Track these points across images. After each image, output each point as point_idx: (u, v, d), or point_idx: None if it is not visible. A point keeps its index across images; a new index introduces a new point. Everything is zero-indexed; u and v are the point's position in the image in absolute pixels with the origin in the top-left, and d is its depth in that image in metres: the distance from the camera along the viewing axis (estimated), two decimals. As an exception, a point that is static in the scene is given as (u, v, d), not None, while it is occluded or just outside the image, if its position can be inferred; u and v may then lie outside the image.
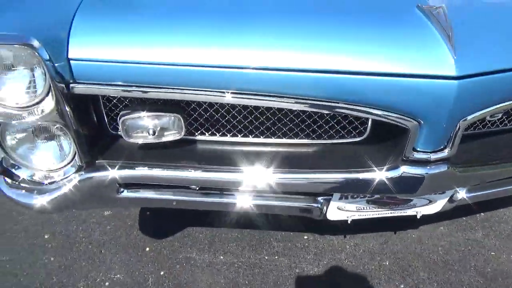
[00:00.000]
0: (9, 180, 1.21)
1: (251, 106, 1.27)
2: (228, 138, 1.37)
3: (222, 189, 1.38)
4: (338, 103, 1.03)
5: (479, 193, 1.48)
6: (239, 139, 1.37)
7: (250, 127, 1.33)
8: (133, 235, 2.11)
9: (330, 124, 1.30)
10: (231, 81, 1.09)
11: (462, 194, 1.47)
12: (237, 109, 1.29)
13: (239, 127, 1.33)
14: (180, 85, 1.14)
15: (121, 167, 1.29)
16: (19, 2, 1.11)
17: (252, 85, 1.09)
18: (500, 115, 1.35)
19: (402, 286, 1.81)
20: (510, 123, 1.42)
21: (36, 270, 1.92)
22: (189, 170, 1.28)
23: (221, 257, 1.97)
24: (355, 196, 1.41)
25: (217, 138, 1.37)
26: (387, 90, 1.02)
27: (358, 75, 0.99)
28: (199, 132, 1.37)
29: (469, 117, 1.09)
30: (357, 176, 1.21)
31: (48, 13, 1.10)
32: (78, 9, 1.12)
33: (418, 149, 1.16)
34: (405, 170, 1.18)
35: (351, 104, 1.04)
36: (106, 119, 1.35)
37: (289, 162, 1.30)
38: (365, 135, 1.31)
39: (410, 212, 1.52)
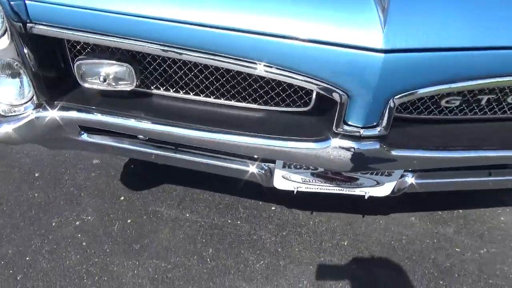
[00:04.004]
0: (-24, 109, 1.33)
1: (200, 64, 1.30)
2: (180, 95, 1.41)
3: (169, 143, 1.44)
4: (256, 63, 1.05)
5: (428, 181, 1.45)
6: (191, 97, 1.41)
7: (201, 86, 1.37)
8: (113, 184, 2.24)
9: (276, 91, 1.30)
10: (174, 35, 1.13)
11: (411, 179, 1.44)
12: (188, 66, 1.32)
13: (191, 85, 1.37)
14: (127, 35, 1.19)
15: (76, 110, 1.37)
16: None
17: (190, 41, 1.12)
18: (458, 102, 1.30)
19: (353, 266, 1.82)
20: (472, 113, 1.36)
21: (19, 203, 2.09)
22: (137, 119, 1.34)
23: (187, 215, 2.05)
24: (298, 166, 1.42)
25: (170, 93, 1.41)
26: (311, 56, 1.02)
27: (275, 38, 1.00)
28: (154, 86, 1.42)
29: (399, 96, 1.07)
30: (287, 144, 1.22)
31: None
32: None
33: (350, 123, 1.15)
34: (336, 143, 1.18)
35: (271, 67, 1.05)
36: (71, 64, 1.43)
37: (232, 123, 1.32)
38: (310, 106, 1.31)
39: (358, 191, 1.51)
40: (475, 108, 1.34)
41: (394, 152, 1.20)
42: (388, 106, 1.10)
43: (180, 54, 1.15)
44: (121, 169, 2.35)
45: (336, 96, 1.09)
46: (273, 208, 2.12)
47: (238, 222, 2.02)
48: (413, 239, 1.96)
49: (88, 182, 2.25)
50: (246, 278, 1.75)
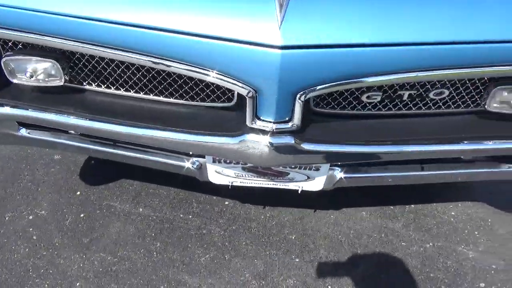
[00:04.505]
0: None
1: (127, 61, 1.32)
2: (111, 91, 1.43)
3: (103, 138, 1.47)
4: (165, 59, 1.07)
5: (357, 175, 1.47)
6: (122, 93, 1.43)
7: (130, 82, 1.39)
8: (71, 179, 2.26)
9: (200, 87, 1.32)
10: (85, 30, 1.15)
11: (339, 174, 1.46)
12: (115, 62, 1.34)
13: (120, 80, 1.39)
14: (52, 34, 1.21)
15: (7, 106, 1.39)
16: None
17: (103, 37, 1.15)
18: (379, 98, 1.32)
19: (297, 260, 1.85)
20: (396, 108, 1.38)
21: (-24, 198, 2.12)
22: (66, 115, 1.36)
23: (140, 209, 2.08)
24: (228, 161, 1.44)
25: (101, 89, 1.43)
26: (213, 52, 1.04)
27: (176, 34, 1.02)
28: (86, 82, 1.44)
29: (306, 91, 1.09)
30: (207, 139, 1.24)
31: None
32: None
33: (262, 118, 1.17)
34: (250, 138, 1.20)
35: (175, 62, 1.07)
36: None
37: (159, 118, 1.35)
38: (234, 101, 1.33)
39: (292, 186, 1.54)
40: (399, 103, 1.36)
41: (308, 147, 1.22)
42: (297, 102, 1.12)
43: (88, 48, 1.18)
44: (81, 165, 2.37)
45: (242, 91, 1.11)
46: (226, 202, 2.14)
47: (190, 217, 2.05)
48: (360, 234, 1.99)
49: (46, 177, 2.28)
50: (189, 271, 1.78)
